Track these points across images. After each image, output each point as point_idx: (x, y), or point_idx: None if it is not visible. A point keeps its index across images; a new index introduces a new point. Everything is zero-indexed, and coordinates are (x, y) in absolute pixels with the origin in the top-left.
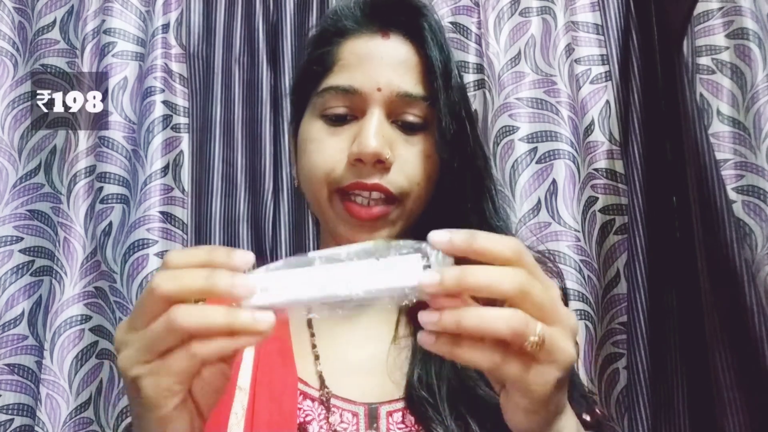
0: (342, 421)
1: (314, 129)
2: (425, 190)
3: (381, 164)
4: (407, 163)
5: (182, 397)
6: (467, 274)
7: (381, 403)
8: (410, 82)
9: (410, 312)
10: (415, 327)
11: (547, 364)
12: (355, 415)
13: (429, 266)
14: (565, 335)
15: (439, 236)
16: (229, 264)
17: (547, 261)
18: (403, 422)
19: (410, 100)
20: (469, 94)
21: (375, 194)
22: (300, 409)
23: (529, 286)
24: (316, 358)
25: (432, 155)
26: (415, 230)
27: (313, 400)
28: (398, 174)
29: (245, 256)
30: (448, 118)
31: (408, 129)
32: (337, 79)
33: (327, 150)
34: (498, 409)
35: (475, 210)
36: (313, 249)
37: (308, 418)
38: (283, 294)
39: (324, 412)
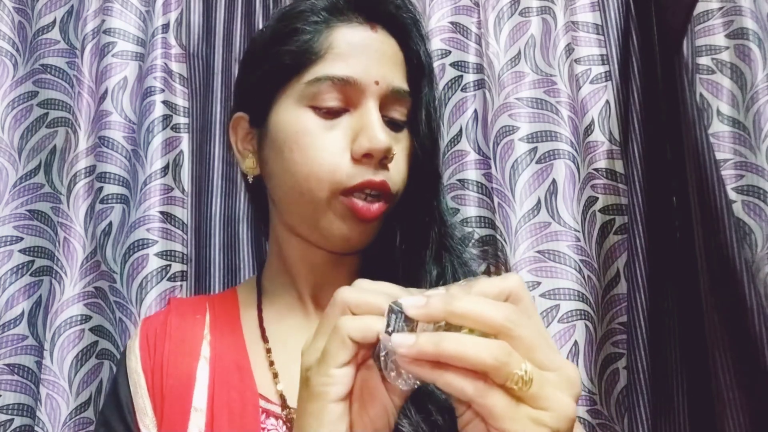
0: None
1: (306, 121)
2: (404, 187)
3: (385, 160)
4: (398, 160)
5: (344, 390)
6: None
7: None
8: (399, 78)
9: None
10: None
11: (539, 410)
12: None
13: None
14: (562, 385)
15: (412, 302)
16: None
17: (490, 248)
18: None
19: (399, 96)
20: (469, 94)
21: (374, 192)
22: (264, 429)
23: (516, 322)
24: (275, 375)
25: (410, 153)
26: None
27: (277, 417)
28: (394, 172)
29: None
30: (434, 119)
31: (394, 126)
32: (332, 68)
33: (328, 146)
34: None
35: (438, 207)
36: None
37: None
38: None
39: None
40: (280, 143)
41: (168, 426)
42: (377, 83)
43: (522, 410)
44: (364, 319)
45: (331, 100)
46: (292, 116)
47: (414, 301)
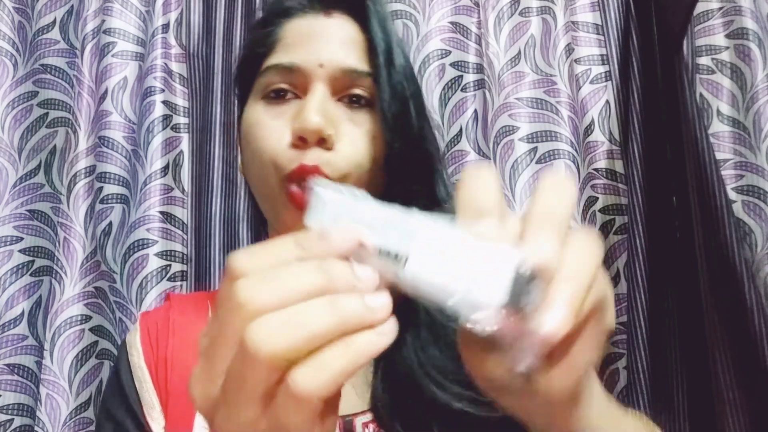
0: None
1: (257, 112)
2: (369, 172)
3: (324, 143)
4: (351, 142)
5: None
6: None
7: (354, 415)
8: (354, 59)
9: None
10: None
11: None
12: None
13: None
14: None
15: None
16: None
17: None
18: None
19: (355, 76)
20: (469, 94)
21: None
22: None
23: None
24: None
25: (378, 136)
26: None
27: None
28: (340, 154)
29: (348, 234)
30: (390, 98)
31: (353, 106)
32: (278, 57)
33: (271, 134)
34: (458, 413)
35: (426, 194)
36: None
37: None
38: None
39: None
40: (244, 138)
41: (173, 422)
42: (322, 66)
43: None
44: (326, 363)
45: (279, 88)
46: (250, 110)
47: (544, 254)
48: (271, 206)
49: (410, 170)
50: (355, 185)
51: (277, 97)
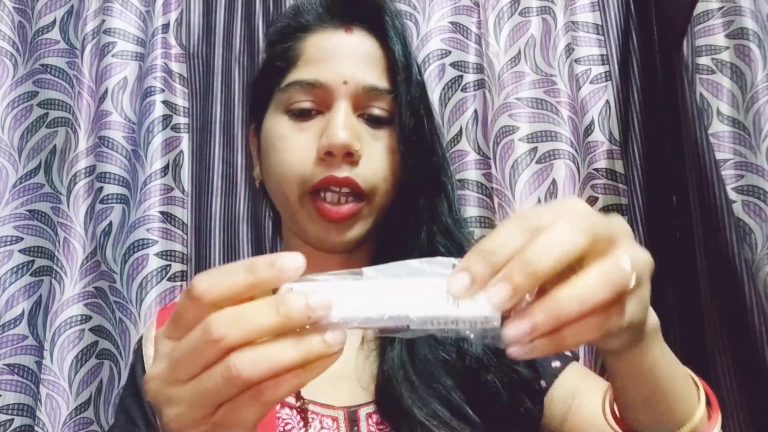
0: (323, 427)
1: (281, 126)
2: (391, 185)
3: (350, 157)
4: (374, 157)
5: None
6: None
7: (359, 406)
8: (374, 76)
9: None
10: None
11: (639, 286)
12: (335, 419)
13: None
14: (630, 241)
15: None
16: (279, 278)
17: None
18: (382, 423)
19: (375, 93)
20: (469, 94)
21: (345, 189)
22: (279, 417)
23: (590, 226)
24: None
25: (395, 151)
26: (380, 227)
27: (291, 407)
28: (366, 169)
29: (294, 260)
30: (408, 113)
31: (374, 123)
32: (301, 73)
33: (296, 147)
34: (460, 401)
35: (428, 206)
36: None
37: (288, 427)
38: (355, 310)
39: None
40: (265, 149)
41: None
42: (345, 83)
43: (632, 301)
44: (287, 380)
45: (303, 103)
46: (272, 122)
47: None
48: (292, 218)
49: (417, 183)
50: (381, 197)
51: (301, 112)
